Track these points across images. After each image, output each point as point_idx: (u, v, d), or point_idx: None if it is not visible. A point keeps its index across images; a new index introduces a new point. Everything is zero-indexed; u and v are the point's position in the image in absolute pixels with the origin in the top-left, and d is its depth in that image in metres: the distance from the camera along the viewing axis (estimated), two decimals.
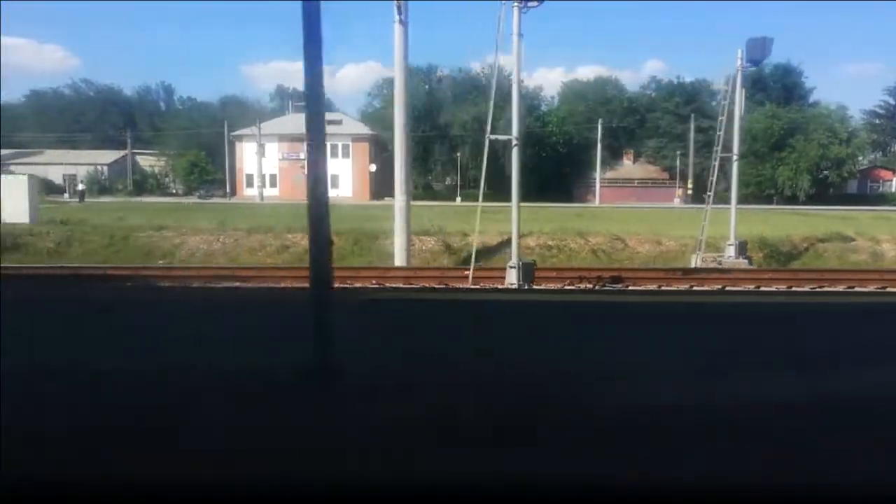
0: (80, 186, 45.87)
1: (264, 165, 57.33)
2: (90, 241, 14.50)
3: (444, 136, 53.59)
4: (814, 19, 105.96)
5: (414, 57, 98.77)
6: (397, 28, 13.68)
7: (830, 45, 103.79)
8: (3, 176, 17.56)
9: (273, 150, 56.82)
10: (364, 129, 56.15)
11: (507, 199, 52.98)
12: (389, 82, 58.93)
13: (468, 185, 56.34)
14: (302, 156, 56.99)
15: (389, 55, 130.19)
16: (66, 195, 53.35)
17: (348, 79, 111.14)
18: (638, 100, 60.15)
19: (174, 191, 62.94)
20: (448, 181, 62.25)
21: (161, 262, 12.80)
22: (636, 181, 54.13)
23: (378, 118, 58.93)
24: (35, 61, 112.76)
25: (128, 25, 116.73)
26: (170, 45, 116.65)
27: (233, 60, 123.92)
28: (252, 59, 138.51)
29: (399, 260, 12.69)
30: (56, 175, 64.85)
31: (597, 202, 47.36)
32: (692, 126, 47.05)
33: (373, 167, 56.21)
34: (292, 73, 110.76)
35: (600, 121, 48.04)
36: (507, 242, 15.16)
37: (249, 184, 57.34)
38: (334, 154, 56.44)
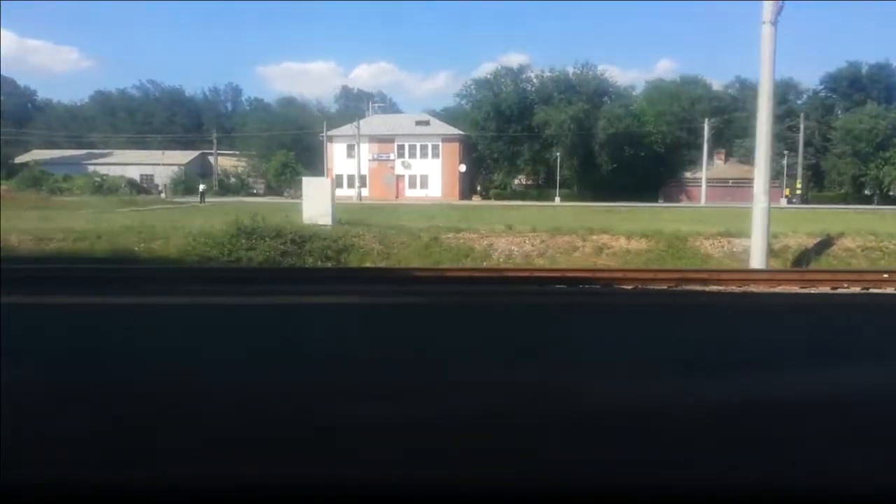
0: (202, 187, 46.19)
1: (353, 166, 57.55)
2: (400, 242, 14.60)
3: (535, 136, 53.50)
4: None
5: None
6: (766, 29, 13.63)
7: None
8: (304, 178, 17.73)
9: (363, 150, 56.97)
10: (453, 130, 56.18)
11: (602, 198, 53.09)
12: (478, 83, 59.13)
13: (556, 184, 56.32)
14: (392, 156, 57.20)
15: (399, 55, 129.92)
16: (163, 195, 53.84)
17: (361, 79, 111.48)
18: (722, 98, 59.83)
19: (255, 191, 63.28)
20: (527, 181, 62.16)
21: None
22: (731, 181, 53.78)
23: (460, 117, 59.05)
24: (52, 62, 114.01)
25: (138, 27, 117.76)
26: (179, 46, 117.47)
27: (248, 61, 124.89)
28: (266, 60, 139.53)
29: (757, 262, 12.65)
30: (133, 176, 65.42)
31: (702, 202, 47.09)
32: (802, 126, 46.70)
33: (462, 167, 56.28)
34: (301, 74, 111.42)
35: (707, 120, 47.81)
36: (823, 244, 15.06)
37: (339, 184, 57.50)
38: (424, 154, 56.66)
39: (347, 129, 58.66)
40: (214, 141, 63.73)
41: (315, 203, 14.72)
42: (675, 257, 14.04)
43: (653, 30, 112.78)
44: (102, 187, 57.71)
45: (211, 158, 72.81)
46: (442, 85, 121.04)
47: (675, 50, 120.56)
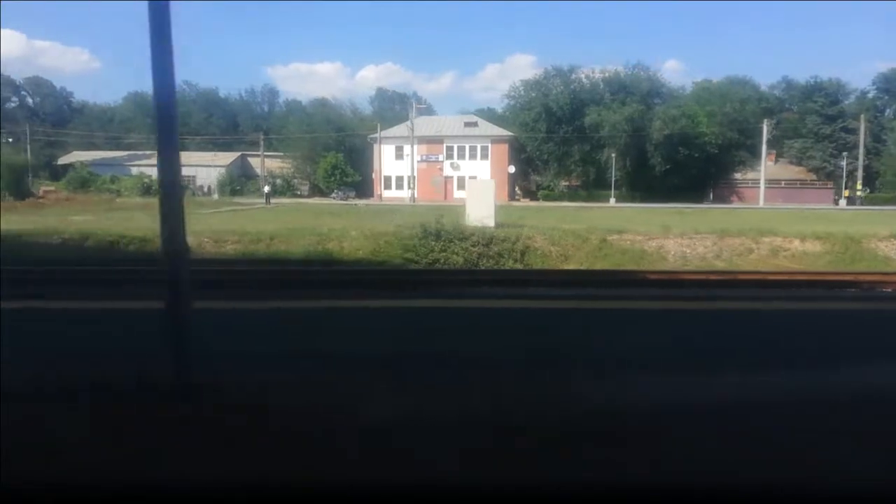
0: (266, 189, 46.27)
1: (401, 167, 57.59)
2: (570, 243, 14.55)
3: (585, 137, 53.37)
4: None
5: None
6: None
7: None
8: (468, 180, 17.73)
9: (409, 151, 56.99)
10: (502, 131, 56.11)
11: (653, 199, 52.58)
12: (526, 84, 59.04)
13: (603, 185, 56.13)
14: (440, 158, 57.16)
15: (405, 56, 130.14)
16: (216, 195, 53.98)
17: (367, 80, 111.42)
18: (768, 99, 59.58)
19: (298, 192, 63.43)
20: (571, 183, 61.88)
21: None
22: (783, 182, 53.59)
23: (509, 119, 58.96)
24: (61, 63, 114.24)
25: (146, 28, 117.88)
26: (187, 46, 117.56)
27: (258, 61, 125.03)
28: (274, 60, 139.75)
29: None
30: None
31: (761, 203, 46.85)
32: (863, 128, 46.39)
33: (511, 168, 56.19)
34: (308, 75, 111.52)
35: (765, 121, 47.59)
36: None
37: (388, 185, 57.61)
38: (473, 155, 56.62)
39: (396, 130, 58.75)
40: (261, 143, 63.88)
41: (479, 205, 14.67)
42: (854, 259, 13.93)
43: (658, 29, 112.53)
44: (151, 189, 57.94)
45: (250, 159, 73.12)
46: (447, 85, 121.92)
47: (682, 50, 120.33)
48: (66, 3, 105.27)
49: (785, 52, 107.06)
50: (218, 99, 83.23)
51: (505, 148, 55.47)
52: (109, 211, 31.28)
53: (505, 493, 0.71)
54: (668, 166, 51.48)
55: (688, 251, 14.46)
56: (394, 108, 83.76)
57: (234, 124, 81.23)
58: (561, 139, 53.93)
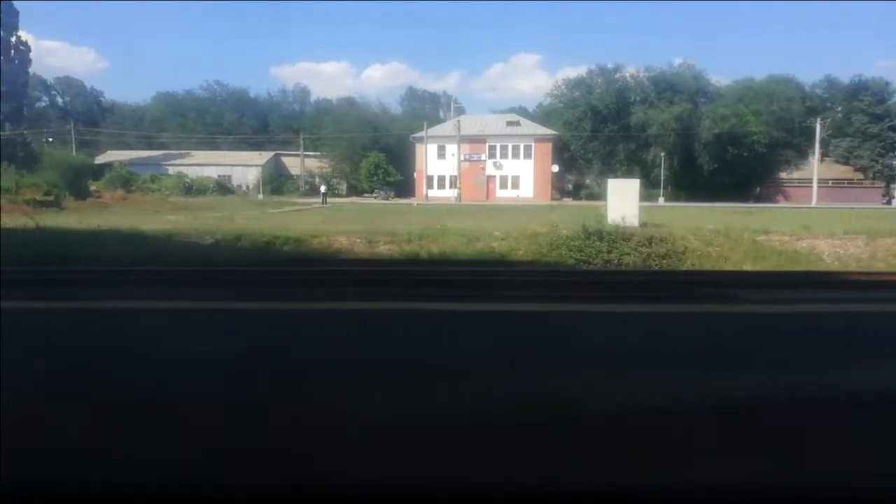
0: (323, 188, 46.23)
1: (443, 167, 57.51)
2: (721, 243, 14.41)
3: (630, 136, 53.17)
4: None
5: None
6: None
7: None
8: (610, 180, 17.65)
9: (452, 151, 56.89)
10: (546, 130, 55.92)
11: (700, 199, 52.22)
12: (568, 84, 58.90)
13: (649, 184, 55.82)
14: (483, 157, 57.02)
15: (411, 56, 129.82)
16: (261, 195, 53.96)
17: (373, 79, 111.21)
18: (811, 98, 59.21)
19: (336, 192, 63.37)
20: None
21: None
22: (830, 181, 53.27)
23: (538, 117, 58.82)
24: (69, 63, 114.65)
25: (152, 28, 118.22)
26: (193, 46, 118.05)
27: (259, 62, 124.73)
28: (279, 60, 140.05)
29: None
30: (210, 176, 65.62)
31: (813, 202, 46.52)
32: None
33: (555, 167, 56.02)
34: (315, 74, 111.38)
35: (818, 120, 47.33)
36: None
37: (430, 185, 57.48)
38: (515, 155, 56.47)
39: (437, 129, 58.66)
40: (301, 143, 63.92)
41: (622, 204, 14.56)
42: None
43: (663, 27, 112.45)
44: (192, 188, 58.05)
45: (284, 159, 73.19)
46: (453, 85, 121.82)
47: (688, 48, 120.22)
48: (73, 3, 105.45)
49: (790, 51, 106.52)
50: (248, 99, 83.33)
51: (548, 147, 55.28)
52: (179, 211, 31.26)
53: None
54: (715, 165, 51.25)
55: (840, 251, 14.29)
56: (423, 107, 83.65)
57: (264, 124, 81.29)
58: (606, 138, 53.73)
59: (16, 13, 60.61)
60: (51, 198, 35.47)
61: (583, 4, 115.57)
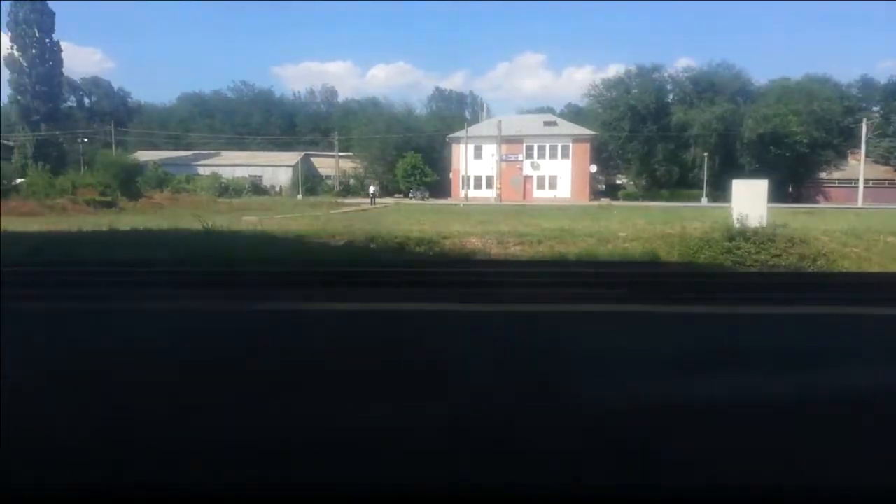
0: (372, 189, 46.20)
1: (479, 167, 57.45)
2: (857, 244, 14.30)
3: (669, 136, 52.98)
4: None
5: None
6: None
7: None
8: (734, 181, 17.57)
9: (490, 151, 56.81)
10: (583, 130, 55.79)
11: None
12: (606, 83, 58.73)
13: (687, 184, 55.65)
14: (520, 157, 56.91)
15: (418, 55, 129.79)
16: (300, 195, 54.00)
17: (378, 79, 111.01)
18: (849, 98, 58.94)
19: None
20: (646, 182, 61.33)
21: None
22: (871, 181, 53.00)
23: (577, 117, 58.66)
24: (74, 63, 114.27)
25: (156, 28, 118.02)
26: (198, 46, 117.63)
27: (263, 61, 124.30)
28: (282, 59, 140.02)
29: None
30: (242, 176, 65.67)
31: (859, 203, 46.27)
32: None
33: (593, 168, 55.92)
34: (319, 74, 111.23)
35: (864, 120, 47.10)
36: None
37: (465, 185, 57.40)
38: (553, 155, 56.36)
39: (474, 129, 58.59)
40: (336, 143, 64.00)
41: (748, 205, 14.44)
42: None
43: (668, 28, 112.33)
44: (228, 189, 58.08)
45: (313, 160, 73.23)
46: (459, 84, 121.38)
47: (695, 48, 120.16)
48: (79, 3, 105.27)
49: (798, 50, 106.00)
50: (274, 99, 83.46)
51: (587, 147, 55.16)
52: (241, 211, 31.22)
53: None
54: (756, 166, 50.97)
55: None
56: (449, 107, 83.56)
57: (291, 124, 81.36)
58: (645, 138, 53.56)
59: (51, 14, 60.81)
60: (109, 198, 35.56)
61: (587, 4, 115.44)
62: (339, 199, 45.06)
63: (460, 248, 14.09)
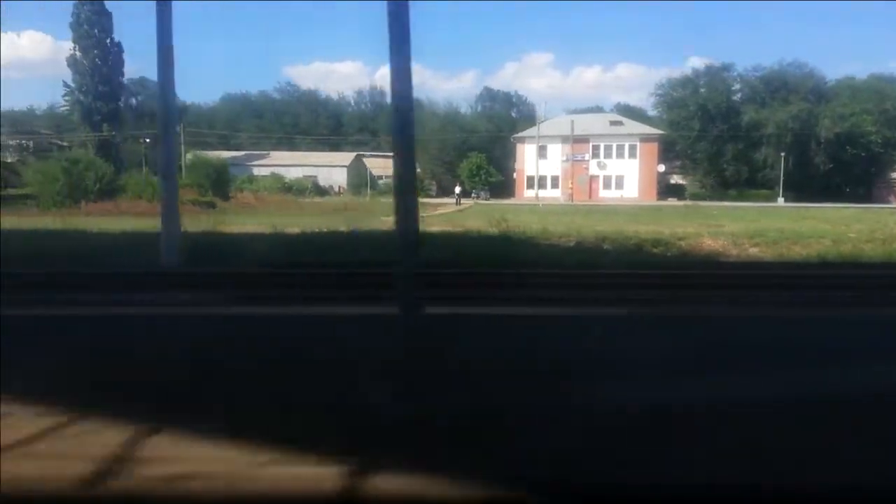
0: (458, 189, 46.06)
1: (543, 167, 57.17)
2: None
3: (738, 136, 52.57)
4: None
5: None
6: None
7: None
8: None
9: (555, 151, 56.56)
10: (651, 130, 55.43)
11: (814, 199, 51.24)
12: (672, 83, 58.35)
13: (756, 184, 55.18)
14: (587, 156, 56.57)
15: (427, 54, 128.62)
16: (368, 196, 53.91)
17: (387, 78, 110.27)
18: None
19: (430, 192, 63.25)
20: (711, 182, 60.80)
21: None
22: None
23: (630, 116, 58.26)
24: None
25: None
26: (205, 46, 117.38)
27: (274, 61, 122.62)
28: (293, 60, 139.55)
29: None
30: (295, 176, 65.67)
31: None
32: None
33: (661, 167, 55.56)
34: (328, 73, 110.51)
35: None
36: None
37: (530, 185, 57.15)
38: (620, 154, 56.00)
39: (535, 130, 58.32)
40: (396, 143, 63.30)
41: None
42: None
43: (677, 26, 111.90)
44: (292, 188, 58.10)
45: (365, 160, 73.17)
46: (468, 84, 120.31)
47: (704, 47, 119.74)
48: (89, 3, 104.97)
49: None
50: (320, 100, 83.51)
51: (654, 147, 54.78)
52: (337, 212, 31.07)
53: None
54: (830, 165, 50.56)
55: None
56: (494, 106, 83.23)
57: (338, 125, 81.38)
58: (713, 137, 53.17)
59: (109, 14, 60.89)
60: (208, 198, 35.57)
61: (593, 4, 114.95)
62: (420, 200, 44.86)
63: (698, 250, 13.84)
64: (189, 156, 47.23)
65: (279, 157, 72.05)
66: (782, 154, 49.12)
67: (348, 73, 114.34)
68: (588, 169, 56.41)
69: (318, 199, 47.02)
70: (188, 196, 34.29)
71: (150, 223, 21.74)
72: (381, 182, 66.48)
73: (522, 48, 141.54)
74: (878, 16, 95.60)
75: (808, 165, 50.76)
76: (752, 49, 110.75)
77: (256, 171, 67.48)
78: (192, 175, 37.70)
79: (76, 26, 59.20)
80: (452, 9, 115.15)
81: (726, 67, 54.01)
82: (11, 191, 33.11)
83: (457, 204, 40.29)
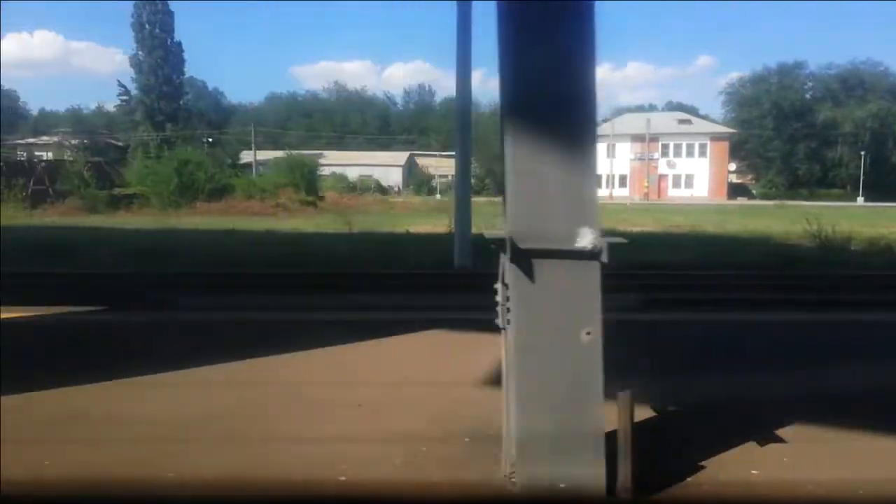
0: None
1: (613, 166, 56.76)
2: None
3: (811, 134, 52.00)
4: None
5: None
6: None
7: None
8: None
9: (623, 149, 56.16)
10: (722, 129, 54.97)
11: (887, 198, 50.15)
12: (742, 81, 57.90)
13: (827, 184, 54.62)
14: (656, 156, 56.14)
15: (436, 54, 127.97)
16: (438, 195, 53.66)
17: (395, 77, 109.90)
18: None
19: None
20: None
21: None
22: None
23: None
24: (97, 64, 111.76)
25: (181, 28, 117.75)
26: (216, 45, 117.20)
27: (282, 61, 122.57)
28: (301, 59, 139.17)
29: None
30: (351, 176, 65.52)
31: None
32: None
33: (732, 166, 55.08)
34: (337, 73, 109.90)
35: None
36: None
37: (597, 184, 56.71)
38: (690, 153, 55.59)
39: (606, 128, 57.94)
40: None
41: None
42: None
43: (687, 26, 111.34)
44: (355, 188, 57.99)
45: (417, 159, 73.01)
46: (477, 83, 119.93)
47: (713, 46, 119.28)
48: (102, 3, 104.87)
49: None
50: (366, 98, 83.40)
51: (725, 146, 54.35)
52: (440, 211, 30.78)
53: None
54: None
55: None
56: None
57: (385, 124, 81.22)
58: (787, 136, 52.65)
59: (171, 13, 60.83)
60: (312, 198, 35.40)
61: (601, 4, 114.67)
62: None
63: None
64: (279, 155, 46.92)
65: (334, 156, 71.87)
66: (862, 153, 48.53)
67: (355, 73, 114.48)
68: (657, 168, 56.01)
69: (394, 199, 46.77)
70: (294, 197, 34.19)
71: (310, 222, 21.63)
72: (439, 181, 66.30)
73: None
74: None
75: (885, 164, 50.18)
76: (752, 49, 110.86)
77: (334, 171, 67.36)
78: (288, 175, 37.43)
79: (138, 27, 59.24)
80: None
81: (798, 65, 53.51)
82: (118, 191, 32.89)
83: None
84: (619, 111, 66.57)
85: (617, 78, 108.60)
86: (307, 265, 10.60)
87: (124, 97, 67.65)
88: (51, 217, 26.41)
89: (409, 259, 11.69)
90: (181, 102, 63.43)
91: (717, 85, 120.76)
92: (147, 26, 59.32)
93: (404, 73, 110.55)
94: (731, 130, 53.93)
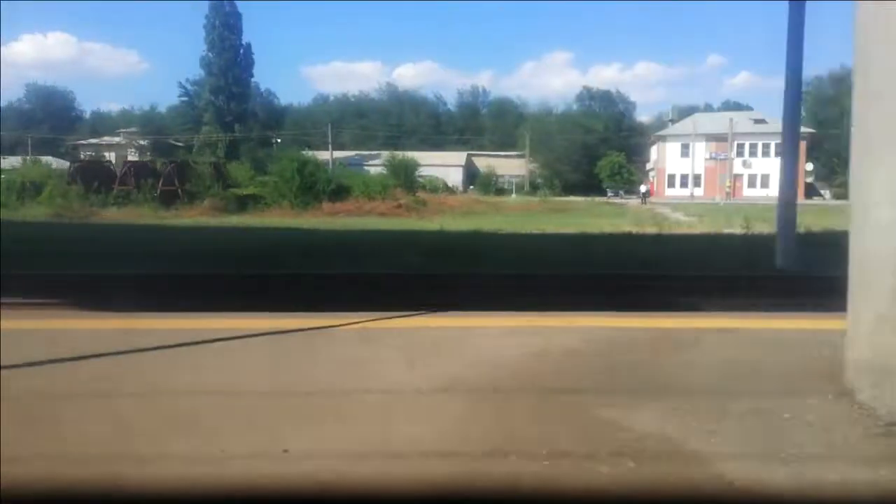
0: (643, 188, 45.71)
1: (682, 165, 56.63)
2: None
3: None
4: None
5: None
6: None
7: None
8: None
9: (699, 149, 55.98)
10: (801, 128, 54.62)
11: None
12: (818, 80, 57.58)
13: None
14: (732, 155, 55.85)
15: (446, 54, 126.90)
16: (514, 194, 53.71)
17: (405, 77, 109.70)
18: None
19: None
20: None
21: None
22: None
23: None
24: (110, 64, 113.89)
25: (177, 25, 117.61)
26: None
27: (292, 61, 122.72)
28: (313, 60, 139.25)
29: None
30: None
31: None
32: None
33: (809, 166, 54.70)
34: (347, 73, 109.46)
35: None
36: None
37: (671, 184, 56.67)
38: (766, 153, 55.31)
39: (678, 127, 57.87)
40: (527, 145, 63.57)
41: None
42: None
43: (701, 25, 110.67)
44: (425, 187, 58.06)
45: (474, 159, 73.08)
46: (486, 83, 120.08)
47: (725, 45, 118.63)
48: (117, 3, 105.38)
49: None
50: (418, 98, 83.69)
51: (801, 145, 53.90)
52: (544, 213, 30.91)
53: None
54: None
55: None
56: (592, 105, 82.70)
57: (437, 124, 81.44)
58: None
59: (238, 15, 61.18)
60: (420, 199, 35.55)
61: (609, 4, 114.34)
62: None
63: None
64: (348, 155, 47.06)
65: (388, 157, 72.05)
66: None
67: (365, 73, 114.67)
68: (732, 167, 55.76)
69: (474, 198, 46.80)
70: (405, 197, 34.32)
71: (459, 223, 21.60)
72: (513, 181, 66.36)
73: (541, 47, 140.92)
74: None
75: None
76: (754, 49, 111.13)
77: (372, 171, 67.49)
78: (393, 176, 37.65)
79: (209, 28, 59.64)
80: (474, 8, 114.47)
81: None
82: (235, 190, 33.01)
83: (643, 203, 39.88)
84: (683, 112, 66.30)
85: (627, 77, 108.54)
86: (637, 266, 10.59)
87: (184, 98, 68.46)
88: (191, 217, 26.56)
89: (714, 260, 11.67)
90: (249, 104, 63.92)
91: (729, 85, 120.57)
92: (219, 29, 59.73)
93: (415, 72, 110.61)
94: (809, 130, 53.52)
